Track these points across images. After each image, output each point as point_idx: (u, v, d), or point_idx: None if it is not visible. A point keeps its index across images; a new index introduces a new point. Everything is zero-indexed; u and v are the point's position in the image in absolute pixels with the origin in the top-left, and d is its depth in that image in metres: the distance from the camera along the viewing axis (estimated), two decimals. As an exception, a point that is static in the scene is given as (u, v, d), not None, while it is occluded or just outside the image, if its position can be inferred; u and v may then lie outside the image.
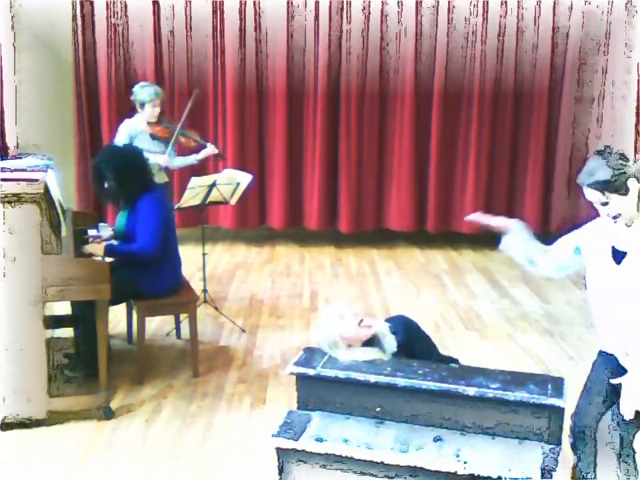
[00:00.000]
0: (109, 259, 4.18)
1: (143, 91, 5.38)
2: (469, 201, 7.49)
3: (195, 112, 6.94)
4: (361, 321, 3.00)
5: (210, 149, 5.64)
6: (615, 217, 2.68)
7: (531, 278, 6.60)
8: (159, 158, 5.33)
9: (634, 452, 2.86)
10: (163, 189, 5.07)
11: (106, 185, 4.26)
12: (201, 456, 3.50)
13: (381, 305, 5.76)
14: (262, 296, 5.99)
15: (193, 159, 5.65)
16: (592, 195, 2.66)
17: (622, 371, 2.70)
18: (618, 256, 2.73)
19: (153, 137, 5.37)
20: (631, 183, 2.61)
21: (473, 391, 2.68)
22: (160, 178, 5.40)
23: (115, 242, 4.45)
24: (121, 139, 5.32)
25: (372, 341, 3.01)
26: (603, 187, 2.61)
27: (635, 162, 2.65)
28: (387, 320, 3.19)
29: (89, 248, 4.31)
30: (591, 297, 2.89)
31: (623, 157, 2.65)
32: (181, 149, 5.67)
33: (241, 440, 3.65)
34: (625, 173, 2.60)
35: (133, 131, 5.34)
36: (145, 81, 6.15)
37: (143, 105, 5.35)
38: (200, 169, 6.29)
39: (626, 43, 7.05)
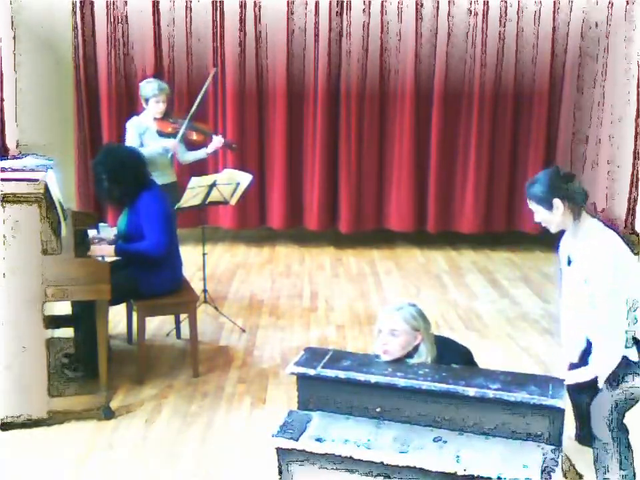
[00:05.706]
0: (109, 259, 4.18)
1: (147, 87, 5.34)
2: (469, 201, 7.50)
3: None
4: (384, 350, 2.97)
5: (216, 141, 5.53)
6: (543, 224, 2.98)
7: (530, 278, 6.61)
8: (166, 142, 5.24)
9: (628, 436, 2.93)
10: (162, 187, 5.06)
11: (104, 185, 4.26)
12: (200, 456, 3.50)
13: (381, 305, 5.75)
14: (262, 296, 5.99)
15: (203, 152, 5.57)
16: (529, 201, 2.97)
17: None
18: (569, 262, 3.03)
19: (160, 133, 5.31)
20: (556, 202, 2.87)
21: (473, 392, 2.68)
22: (169, 177, 5.38)
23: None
24: (129, 138, 5.29)
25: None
26: (532, 198, 2.93)
27: (573, 184, 2.90)
28: (443, 340, 3.15)
29: (97, 250, 4.30)
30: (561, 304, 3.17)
31: (566, 177, 2.92)
32: (191, 143, 5.55)
33: (240, 440, 3.65)
34: (551, 192, 2.87)
35: (140, 128, 5.30)
36: (148, 78, 6.04)
37: (147, 100, 5.32)
38: (200, 168, 6.29)
39: (625, 37, 7.05)
